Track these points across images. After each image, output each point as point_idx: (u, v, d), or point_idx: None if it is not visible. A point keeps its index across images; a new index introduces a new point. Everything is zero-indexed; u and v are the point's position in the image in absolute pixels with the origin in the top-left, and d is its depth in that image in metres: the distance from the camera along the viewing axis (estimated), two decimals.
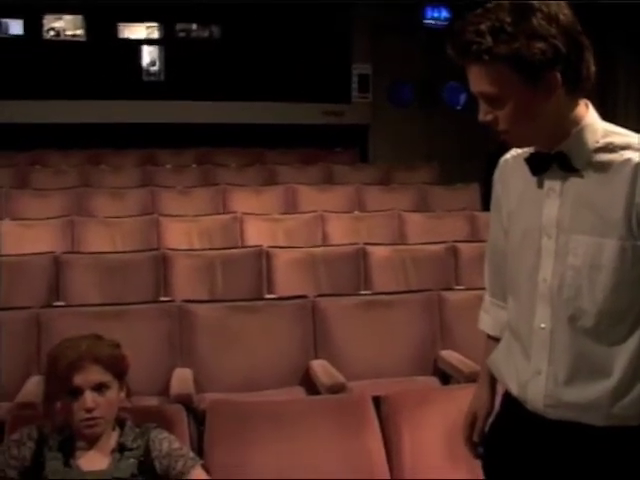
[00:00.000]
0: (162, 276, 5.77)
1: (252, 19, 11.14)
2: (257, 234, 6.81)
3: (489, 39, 1.79)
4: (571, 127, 1.90)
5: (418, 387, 4.11)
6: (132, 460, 2.60)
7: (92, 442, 2.62)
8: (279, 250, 6.11)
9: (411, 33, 11.08)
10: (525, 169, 1.99)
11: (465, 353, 4.44)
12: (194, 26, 11.62)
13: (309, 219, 7.24)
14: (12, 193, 8.01)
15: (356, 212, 7.73)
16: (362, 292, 5.63)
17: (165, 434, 2.73)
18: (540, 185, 1.97)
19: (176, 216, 7.21)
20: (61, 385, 2.56)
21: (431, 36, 10.79)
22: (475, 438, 2.31)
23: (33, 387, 3.96)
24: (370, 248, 6.17)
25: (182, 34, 11.62)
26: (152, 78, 11.54)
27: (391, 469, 3.14)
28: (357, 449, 3.14)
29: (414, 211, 7.82)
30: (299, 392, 4.35)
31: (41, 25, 11.14)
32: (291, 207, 8.07)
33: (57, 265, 5.72)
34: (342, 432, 3.16)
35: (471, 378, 4.14)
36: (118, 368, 2.64)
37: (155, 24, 11.53)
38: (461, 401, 3.12)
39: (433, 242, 6.41)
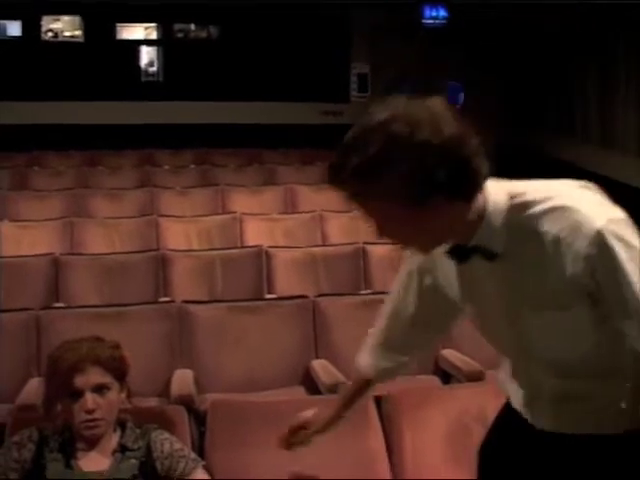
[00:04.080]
0: (161, 277, 5.76)
1: (250, 19, 11.16)
2: (256, 234, 6.81)
3: (361, 182, 1.71)
4: (476, 220, 1.81)
5: (419, 386, 4.10)
6: (133, 461, 2.59)
7: (93, 443, 2.61)
8: (279, 250, 6.10)
9: (410, 32, 11.09)
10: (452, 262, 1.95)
11: (466, 352, 4.43)
12: (192, 26, 11.65)
13: (308, 219, 7.24)
14: (10, 194, 8.03)
15: (355, 211, 7.69)
16: (362, 291, 5.62)
17: (166, 435, 2.72)
18: (469, 270, 1.92)
19: (175, 217, 7.21)
20: (61, 387, 2.55)
21: (429, 35, 10.80)
22: (288, 440, 2.51)
23: (33, 389, 3.95)
24: (370, 247, 6.16)
25: (180, 34, 11.64)
26: (150, 79, 11.56)
27: (392, 468, 3.13)
28: (358, 448, 3.14)
29: None
30: (300, 392, 4.34)
31: (39, 26, 11.16)
32: (290, 207, 8.07)
33: (56, 266, 5.71)
34: (343, 431, 3.14)
35: (471, 377, 4.15)
36: (119, 369, 2.63)
37: (153, 25, 11.55)
38: (462, 400, 3.14)
39: None
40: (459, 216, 1.78)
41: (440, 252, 1.93)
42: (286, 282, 5.78)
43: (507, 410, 2.17)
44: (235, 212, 7.30)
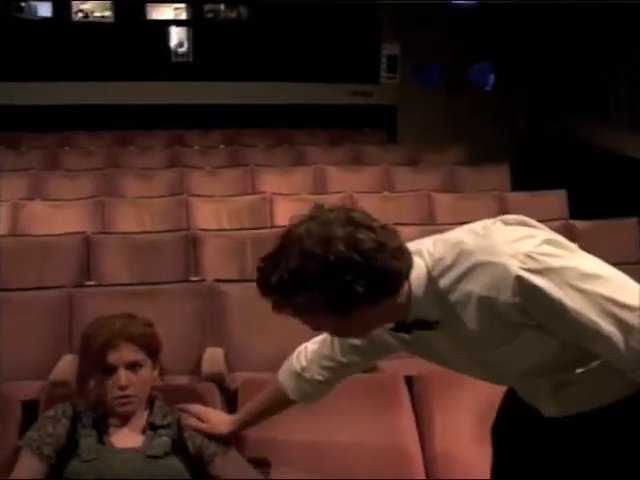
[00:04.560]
0: (192, 256, 5.78)
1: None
2: (286, 214, 6.77)
3: (284, 297, 1.83)
4: (406, 302, 1.87)
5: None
6: (165, 438, 2.61)
7: (125, 420, 2.63)
8: None
9: (440, 14, 10.99)
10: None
11: None
12: (222, 7, 11.60)
13: (338, 199, 7.19)
14: (42, 174, 8.07)
15: (385, 192, 7.69)
16: None
17: None
18: (420, 336, 1.96)
19: (205, 196, 7.22)
20: (95, 363, 2.57)
21: (459, 17, 10.71)
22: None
23: (66, 366, 3.98)
24: (399, 228, 6.11)
25: (210, 15, 11.61)
26: (180, 59, 11.55)
27: (422, 447, 3.13)
28: (389, 428, 3.13)
29: (443, 191, 7.78)
30: None
31: (69, 7, 11.17)
32: (320, 188, 8.06)
33: (88, 245, 5.75)
34: (374, 411, 3.15)
35: None
36: (151, 347, 2.65)
37: (183, 5, 11.53)
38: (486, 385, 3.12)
39: (462, 222, 6.36)
40: (388, 308, 1.83)
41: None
42: None
43: (513, 392, 2.18)
44: (265, 192, 7.29)
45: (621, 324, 1.71)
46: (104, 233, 6.20)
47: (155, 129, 10.39)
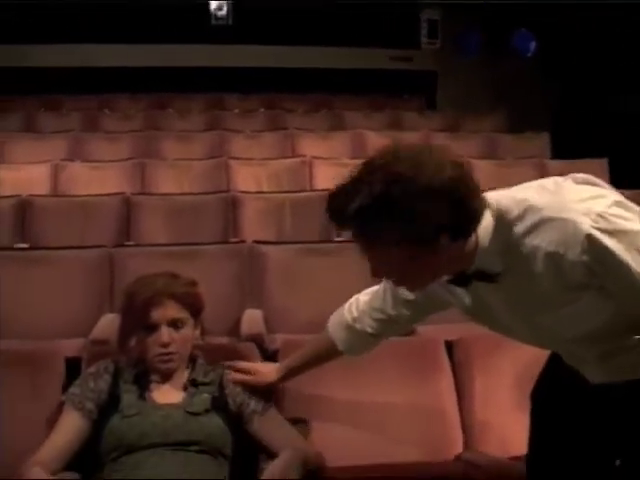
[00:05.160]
0: (231, 218, 5.79)
1: None
2: (326, 178, 6.77)
3: (363, 224, 1.74)
4: (472, 250, 1.84)
5: (489, 333, 4.08)
6: (206, 395, 2.63)
7: (166, 377, 2.65)
8: None
9: None
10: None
11: None
12: None
13: None
14: (82, 136, 8.10)
15: None
16: None
17: None
18: (477, 289, 1.93)
19: (245, 159, 7.21)
20: (137, 320, 2.58)
21: None
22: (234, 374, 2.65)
23: (106, 324, 4.01)
24: None
25: None
26: (220, 22, 11.50)
27: (461, 412, 3.13)
28: (428, 392, 3.13)
29: (482, 158, 7.71)
30: None
31: None
32: (359, 152, 8.00)
33: (128, 206, 5.78)
34: (414, 374, 3.15)
35: None
36: (194, 305, 2.66)
37: None
38: (533, 349, 3.09)
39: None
40: (458, 252, 1.81)
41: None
42: None
43: (556, 358, 2.17)
44: (305, 156, 7.27)
45: None
46: (144, 194, 6.23)
47: (194, 92, 10.38)
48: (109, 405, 2.58)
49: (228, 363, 2.75)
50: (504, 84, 11.05)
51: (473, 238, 1.82)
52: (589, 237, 1.70)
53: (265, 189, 6.64)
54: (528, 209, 1.79)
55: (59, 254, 4.60)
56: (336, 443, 2.92)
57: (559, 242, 1.74)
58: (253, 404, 2.66)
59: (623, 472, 2.05)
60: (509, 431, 2.98)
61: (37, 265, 4.48)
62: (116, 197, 5.87)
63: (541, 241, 1.76)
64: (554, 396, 2.17)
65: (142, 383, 2.63)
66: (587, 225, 1.70)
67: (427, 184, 1.68)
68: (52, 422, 2.66)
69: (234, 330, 4.21)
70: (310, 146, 7.90)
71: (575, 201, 1.75)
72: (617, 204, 1.75)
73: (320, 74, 10.87)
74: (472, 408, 3.11)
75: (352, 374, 3.13)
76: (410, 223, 1.69)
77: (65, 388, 2.77)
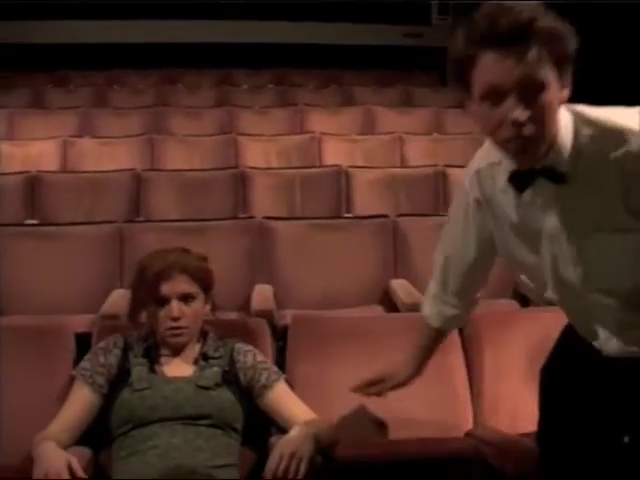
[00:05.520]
0: (241, 194, 5.78)
1: None
2: (335, 154, 6.76)
3: (537, 22, 1.67)
4: (555, 133, 1.77)
5: (500, 309, 4.07)
6: (216, 369, 2.63)
7: (177, 351, 2.66)
8: (358, 170, 6.06)
9: None
10: (504, 182, 1.91)
11: None
12: None
13: (387, 140, 7.16)
14: (91, 112, 8.07)
15: (435, 134, 7.61)
16: (441, 213, 5.57)
17: (249, 347, 2.76)
18: (532, 199, 1.88)
19: (254, 135, 7.19)
20: (148, 293, 2.59)
21: None
22: (367, 392, 2.60)
23: (117, 300, 4.02)
24: (450, 170, 6.09)
25: None
26: None
27: (471, 386, 3.13)
28: (438, 367, 3.11)
29: None
30: (378, 311, 4.34)
31: None
32: (369, 128, 7.99)
33: (137, 182, 5.77)
34: None
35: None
36: (204, 280, 2.67)
37: None
38: (543, 323, 3.09)
39: None
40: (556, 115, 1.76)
41: (497, 187, 1.95)
42: (365, 202, 5.75)
43: (569, 332, 2.14)
44: (314, 132, 7.25)
45: None
46: (153, 170, 6.22)
47: (203, 68, 10.34)
48: (119, 379, 2.59)
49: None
50: None
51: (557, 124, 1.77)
52: None
53: (274, 165, 6.62)
54: (616, 118, 1.77)
55: (69, 230, 4.60)
56: (346, 419, 2.93)
57: (634, 143, 1.72)
58: (264, 379, 2.66)
59: (632, 449, 2.05)
60: (520, 407, 2.98)
61: (47, 241, 4.48)
62: (126, 173, 5.86)
63: (618, 149, 1.73)
64: (564, 372, 2.16)
65: (152, 357, 2.64)
66: None
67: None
68: (63, 397, 2.67)
69: (244, 306, 4.21)
70: (319, 122, 7.87)
71: None
72: None
73: (330, 50, 10.81)
74: (482, 384, 3.11)
75: (363, 348, 3.13)
76: (565, 34, 1.71)
77: (76, 363, 2.79)
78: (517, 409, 3.01)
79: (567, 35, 1.71)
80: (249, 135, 7.19)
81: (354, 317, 3.63)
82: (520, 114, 1.67)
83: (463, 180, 2.13)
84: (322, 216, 5.09)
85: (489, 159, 1.97)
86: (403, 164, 6.85)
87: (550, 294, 2.05)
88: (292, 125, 7.92)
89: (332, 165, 6.22)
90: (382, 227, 4.65)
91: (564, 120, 1.78)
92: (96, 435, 2.60)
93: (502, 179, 1.91)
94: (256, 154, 6.76)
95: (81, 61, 10.26)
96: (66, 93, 9.18)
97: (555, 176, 1.79)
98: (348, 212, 5.73)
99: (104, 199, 5.58)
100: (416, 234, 4.65)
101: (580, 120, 1.79)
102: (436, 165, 6.20)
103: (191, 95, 9.23)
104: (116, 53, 10.48)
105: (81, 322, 3.83)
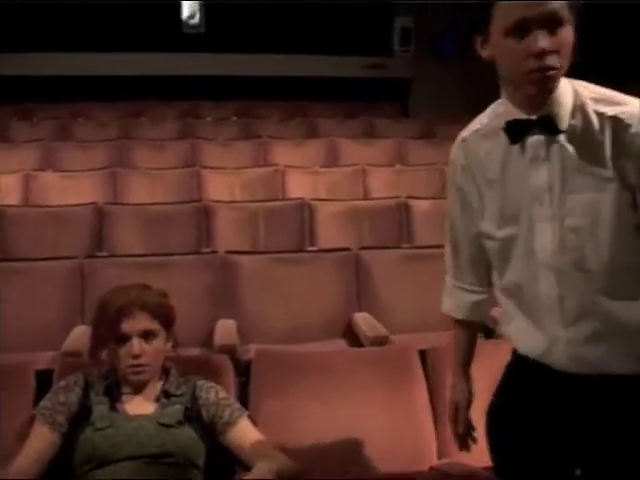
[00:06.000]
0: (204, 228, 5.79)
1: None
2: (299, 187, 6.79)
3: None
4: (557, 85, 1.89)
5: None
6: (178, 406, 2.61)
7: (138, 389, 2.64)
8: (321, 203, 6.09)
9: None
10: (497, 142, 1.98)
11: (381, 316, 4.44)
12: None
13: (350, 172, 7.20)
14: (55, 145, 8.05)
15: (398, 166, 7.65)
16: (404, 245, 5.60)
17: (212, 384, 2.74)
18: (521, 154, 1.94)
19: (218, 168, 7.20)
20: (109, 331, 2.57)
21: None
22: (460, 430, 2.37)
23: (78, 336, 3.99)
24: (412, 202, 6.13)
25: None
26: (192, 30, 11.48)
27: (435, 422, 3.13)
28: (402, 401, 3.14)
29: None
30: (341, 344, 4.34)
31: None
32: (332, 160, 8.03)
33: (100, 216, 5.76)
34: (388, 384, 3.15)
35: (375, 342, 4.00)
36: (166, 317, 2.66)
37: None
38: (505, 355, 3.10)
39: None
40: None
41: (483, 151, 2.02)
42: (328, 235, 5.78)
43: (517, 365, 2.14)
44: (278, 164, 7.27)
45: None
46: (116, 204, 6.21)
47: (168, 100, 10.35)
48: (81, 418, 2.57)
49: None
50: (479, 90, 11.09)
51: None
52: None
53: (238, 198, 6.63)
54: (609, 91, 1.91)
55: (31, 265, 4.57)
56: (311, 455, 2.92)
57: (631, 112, 1.83)
58: (227, 415, 2.64)
59: None
60: (484, 439, 2.97)
61: (9, 276, 4.45)
62: (88, 207, 5.84)
63: (614, 109, 1.84)
64: (510, 410, 2.14)
65: (114, 395, 2.62)
66: None
67: None
68: (24, 436, 2.64)
69: (207, 341, 4.20)
70: (283, 154, 7.89)
71: None
72: None
73: (294, 82, 10.87)
74: (446, 416, 3.11)
75: (326, 385, 3.13)
76: None
77: (37, 400, 2.76)
78: (482, 441, 3.00)
79: None
80: (213, 168, 7.20)
81: (318, 352, 3.62)
82: (545, 43, 1.79)
83: (451, 155, 2.17)
84: (285, 250, 5.09)
85: (473, 128, 2.08)
86: (366, 196, 6.88)
87: (508, 280, 2.04)
88: (256, 158, 7.94)
89: (295, 198, 6.23)
90: (345, 260, 4.66)
91: (564, 82, 1.90)
92: (59, 474, 2.56)
93: (487, 143, 2.02)
94: (220, 187, 6.77)
95: (45, 94, 10.23)
96: (30, 126, 9.16)
97: (551, 126, 1.88)
98: (312, 245, 5.73)
99: (67, 233, 5.56)
100: (379, 267, 4.67)
101: (580, 85, 1.92)
102: (398, 197, 6.23)
103: (155, 128, 9.23)
104: (81, 86, 10.47)
105: (43, 359, 3.80)
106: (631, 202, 1.84)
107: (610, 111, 1.84)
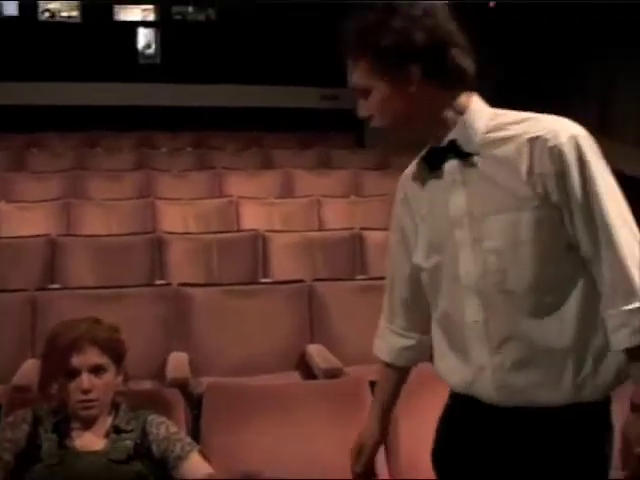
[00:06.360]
0: (158, 259, 5.77)
1: (248, 2, 11.10)
2: (253, 218, 6.80)
3: (355, 37, 1.93)
4: (456, 117, 1.93)
5: (415, 372, 4.09)
6: (128, 442, 2.59)
7: (87, 424, 2.61)
8: (275, 234, 6.10)
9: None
10: (425, 173, 2.02)
11: (334, 347, 4.47)
12: (190, 9, 11.59)
13: (305, 203, 7.23)
14: (8, 175, 8.00)
15: (352, 197, 7.69)
16: (358, 277, 5.62)
17: (162, 418, 2.72)
18: (442, 181, 1.97)
19: (172, 199, 7.20)
20: (58, 365, 2.55)
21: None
22: (358, 470, 2.31)
23: (28, 370, 3.95)
24: (366, 233, 6.16)
25: (178, 17, 11.59)
26: (148, 61, 11.51)
27: (387, 453, 3.13)
28: (354, 433, 3.12)
29: None
30: (295, 377, 4.34)
31: (36, 6, 11.10)
32: (287, 191, 8.05)
33: (53, 247, 5.71)
34: (339, 416, 3.16)
35: (328, 374, 4.04)
36: (116, 351, 2.64)
37: (151, 6, 11.49)
38: None
39: None
40: (439, 104, 1.92)
41: (416, 174, 2.06)
42: (282, 266, 5.78)
43: (451, 402, 2.13)
44: (232, 196, 7.28)
45: (635, 247, 1.82)
46: (69, 235, 6.17)
47: (123, 131, 10.34)
48: (29, 454, 2.54)
49: None
50: None
51: (460, 106, 1.93)
52: (576, 137, 1.82)
53: (193, 229, 6.62)
54: (524, 113, 1.94)
55: None
56: None
57: (546, 130, 1.84)
58: (178, 450, 2.62)
59: None
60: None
61: None
62: (41, 239, 5.79)
63: (530, 128, 1.87)
64: (449, 445, 2.12)
65: (63, 430, 2.59)
66: (578, 131, 1.85)
67: (412, 13, 1.88)
68: None
69: (160, 374, 4.18)
70: (238, 185, 7.91)
71: (573, 125, 1.87)
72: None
73: (249, 112, 10.91)
74: (398, 448, 3.13)
75: (279, 418, 3.13)
76: (387, 39, 1.87)
77: None
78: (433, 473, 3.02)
79: (388, 40, 1.87)
80: (167, 199, 7.19)
81: (270, 385, 3.62)
82: (360, 113, 1.98)
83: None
84: (238, 282, 5.09)
85: (414, 162, 2.11)
86: (321, 227, 6.90)
87: (439, 311, 2.04)
88: (211, 188, 7.95)
89: (249, 229, 6.24)
90: (298, 292, 4.67)
91: (478, 104, 1.95)
92: None
93: (420, 173, 2.05)
94: (174, 218, 6.76)
95: None
96: None
97: (460, 151, 1.92)
98: (265, 277, 5.74)
99: (19, 265, 5.50)
100: (333, 298, 4.68)
101: (496, 110, 1.96)
102: (353, 228, 6.26)
103: (110, 158, 9.20)
104: (35, 115, 10.42)
105: None
106: (557, 221, 1.84)
107: (527, 130, 1.85)
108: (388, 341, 2.26)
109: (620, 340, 1.81)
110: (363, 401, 3.20)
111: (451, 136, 1.92)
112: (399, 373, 2.31)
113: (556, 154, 1.80)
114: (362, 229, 6.22)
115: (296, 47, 11.13)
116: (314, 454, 3.08)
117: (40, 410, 2.65)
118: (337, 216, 7.09)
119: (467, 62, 1.92)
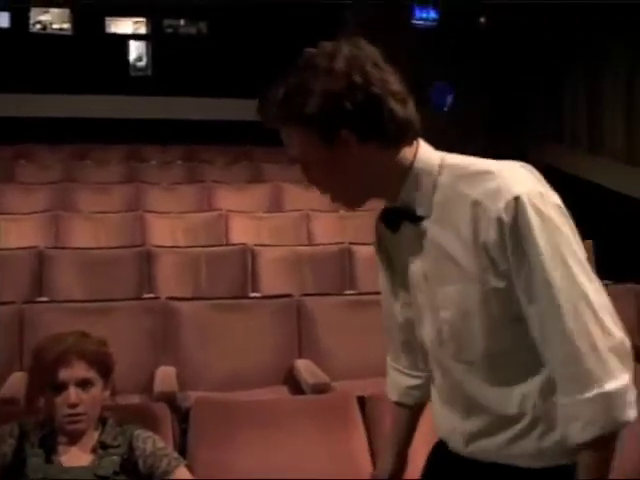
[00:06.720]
0: (146, 272, 5.75)
1: (240, 15, 11.13)
2: (242, 232, 6.79)
3: (277, 106, 1.75)
4: (403, 174, 1.78)
5: None
6: (115, 457, 2.58)
7: (74, 439, 2.60)
8: (264, 248, 6.10)
9: (399, 33, 11.07)
10: (388, 232, 1.90)
11: (323, 363, 4.45)
12: (182, 22, 11.62)
13: (294, 217, 7.23)
14: None
15: (342, 211, 7.68)
16: (347, 292, 5.62)
17: (149, 433, 2.71)
18: (403, 239, 1.85)
19: (161, 213, 7.20)
20: (45, 379, 2.54)
21: (419, 36, 10.79)
22: None
23: (16, 383, 3.93)
24: (355, 247, 6.17)
25: (169, 30, 11.62)
26: (139, 73, 11.53)
27: (374, 467, 3.12)
28: (341, 449, 3.14)
29: None
30: (283, 391, 4.33)
31: (27, 18, 11.10)
32: (277, 205, 8.06)
33: (41, 260, 5.70)
34: (326, 432, 3.16)
35: (315, 389, 4.02)
36: (103, 365, 2.63)
37: (142, 19, 11.51)
38: None
39: None
40: (377, 164, 1.76)
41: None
42: (271, 281, 5.78)
43: (436, 444, 2.09)
44: (221, 209, 7.28)
45: (589, 322, 1.63)
46: (57, 248, 6.14)
47: (113, 143, 10.33)
48: (14, 469, 2.52)
49: None
50: (423, 136, 11.18)
51: (405, 161, 1.79)
52: (517, 200, 1.64)
53: (181, 243, 6.61)
54: (475, 162, 1.77)
55: None
56: None
57: (489, 194, 1.67)
58: (164, 464, 2.61)
59: None
60: None
61: None
62: (29, 251, 5.78)
63: (473, 190, 1.70)
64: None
65: (49, 445, 2.58)
66: (522, 190, 1.65)
67: (339, 71, 1.70)
68: None
69: (147, 388, 4.17)
70: (227, 199, 7.91)
71: (526, 177, 1.72)
72: (560, 206, 1.71)
73: (239, 126, 10.90)
74: None
75: (266, 433, 3.12)
76: (317, 106, 1.69)
77: None
78: None
79: (311, 106, 1.70)
80: (156, 212, 7.19)
81: (258, 400, 3.61)
82: (307, 180, 1.82)
83: None
84: (226, 296, 5.09)
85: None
86: (310, 241, 6.91)
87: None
88: (200, 202, 7.94)
89: (238, 243, 6.24)
90: (286, 306, 4.67)
91: (427, 158, 1.80)
92: None
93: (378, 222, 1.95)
94: (163, 231, 6.75)
95: None
96: None
97: (411, 215, 1.79)
98: (254, 291, 5.73)
99: (6, 278, 5.49)
100: (321, 313, 4.68)
101: (448, 159, 1.80)
102: (342, 243, 6.27)
103: (99, 170, 9.19)
104: (24, 127, 10.40)
105: None
106: (505, 292, 1.70)
107: (470, 192, 1.70)
108: (395, 380, 2.19)
109: (571, 435, 1.68)
110: (351, 416, 3.21)
111: (402, 196, 1.78)
112: (410, 411, 2.23)
113: (494, 222, 1.65)
114: (351, 244, 6.23)
115: (286, 61, 11.13)
116: (301, 469, 3.06)
117: (27, 424, 2.63)
118: (326, 231, 7.09)
119: (408, 111, 1.76)
